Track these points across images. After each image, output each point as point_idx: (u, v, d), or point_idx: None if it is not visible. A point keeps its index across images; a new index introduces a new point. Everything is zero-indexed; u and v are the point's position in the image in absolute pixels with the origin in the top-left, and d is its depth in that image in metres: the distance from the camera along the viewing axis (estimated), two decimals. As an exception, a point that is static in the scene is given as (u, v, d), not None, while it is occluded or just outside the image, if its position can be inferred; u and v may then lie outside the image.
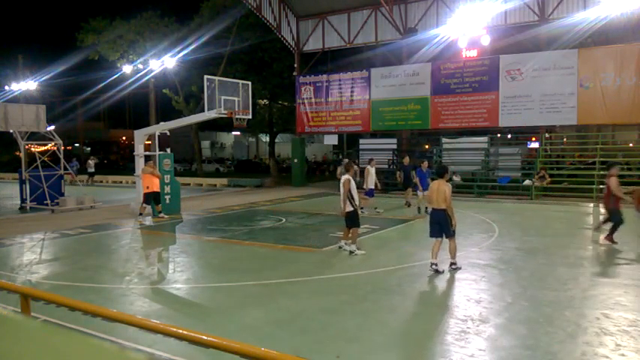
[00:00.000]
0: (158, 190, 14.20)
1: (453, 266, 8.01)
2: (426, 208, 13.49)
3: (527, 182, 18.66)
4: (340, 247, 9.60)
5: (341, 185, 9.41)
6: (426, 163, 14.81)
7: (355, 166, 11.56)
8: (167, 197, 14.99)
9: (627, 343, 4.97)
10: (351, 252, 9.30)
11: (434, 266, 7.87)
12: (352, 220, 9.34)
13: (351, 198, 9.27)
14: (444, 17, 21.66)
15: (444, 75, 21.49)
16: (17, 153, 31.62)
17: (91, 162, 31.02)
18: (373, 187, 14.90)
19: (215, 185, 26.80)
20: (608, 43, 20.67)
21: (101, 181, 30.85)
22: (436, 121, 21.76)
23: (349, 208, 9.30)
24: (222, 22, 28.76)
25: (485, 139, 21.60)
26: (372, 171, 14.85)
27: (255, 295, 6.82)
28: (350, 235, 9.42)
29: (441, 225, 7.93)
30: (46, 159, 17.82)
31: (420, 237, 11.30)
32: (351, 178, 9.37)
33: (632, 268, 7.99)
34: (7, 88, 34.35)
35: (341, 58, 28.31)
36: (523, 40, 21.19)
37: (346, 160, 11.25)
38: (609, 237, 9.87)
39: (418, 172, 14.67)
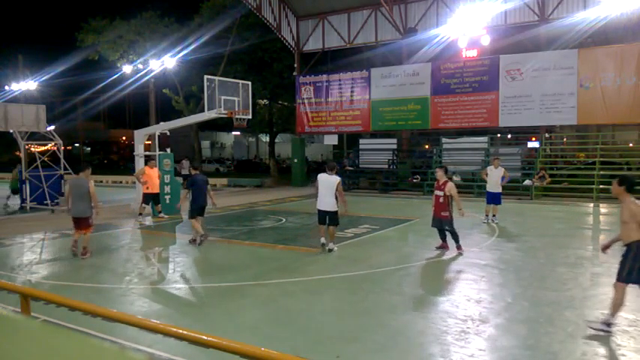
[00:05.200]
0: (158, 191, 14.21)
1: None
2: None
3: (527, 182, 18.66)
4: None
5: None
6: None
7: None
8: (167, 197, 14.98)
9: (627, 343, 4.97)
10: None
11: None
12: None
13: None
14: (444, 17, 21.66)
15: (444, 75, 21.48)
16: (17, 153, 31.61)
17: (185, 163, 23.98)
18: (499, 190, 12.70)
19: (215, 185, 26.73)
20: (608, 43, 20.67)
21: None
22: (436, 121, 21.75)
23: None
24: (222, 22, 28.74)
25: (485, 139, 21.61)
26: (489, 171, 12.95)
27: (255, 295, 6.81)
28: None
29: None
30: (46, 159, 17.82)
31: (420, 237, 11.30)
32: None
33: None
34: (7, 88, 34.34)
35: (341, 58, 28.30)
36: (523, 40, 21.20)
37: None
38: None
39: None
